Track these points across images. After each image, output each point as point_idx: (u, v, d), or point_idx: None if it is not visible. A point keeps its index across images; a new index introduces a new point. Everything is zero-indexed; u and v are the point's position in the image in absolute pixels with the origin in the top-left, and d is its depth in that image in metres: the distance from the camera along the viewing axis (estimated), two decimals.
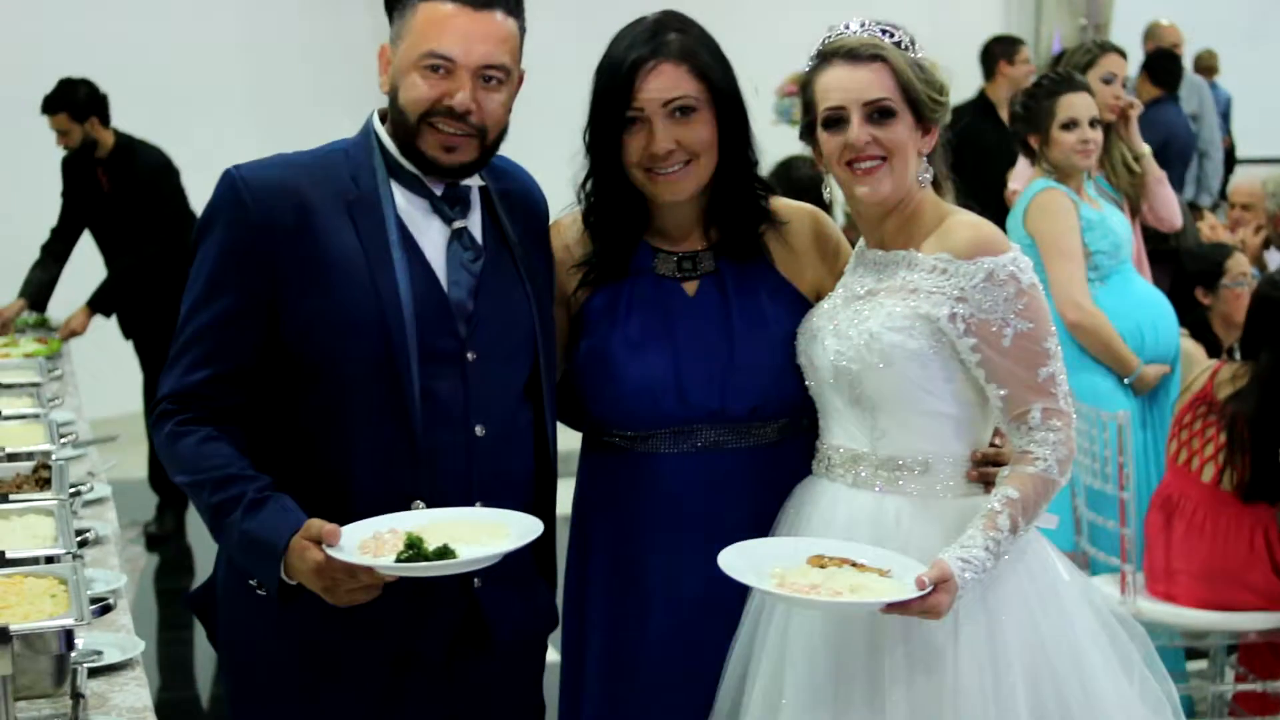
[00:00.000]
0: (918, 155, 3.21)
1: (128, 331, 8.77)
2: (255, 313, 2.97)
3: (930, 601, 2.89)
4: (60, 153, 8.65)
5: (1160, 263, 6.65)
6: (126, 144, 8.53)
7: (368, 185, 3.04)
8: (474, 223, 3.13)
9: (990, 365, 3.08)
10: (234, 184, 2.99)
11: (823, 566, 2.97)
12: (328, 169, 3.05)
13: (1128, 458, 5.28)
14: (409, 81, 3.01)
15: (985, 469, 3.17)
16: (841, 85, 3.16)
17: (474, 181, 3.14)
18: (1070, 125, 5.80)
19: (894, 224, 3.24)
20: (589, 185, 3.37)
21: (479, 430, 3.07)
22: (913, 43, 3.21)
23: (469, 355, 3.06)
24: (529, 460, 3.21)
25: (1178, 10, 11.59)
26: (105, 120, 8.47)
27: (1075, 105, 5.82)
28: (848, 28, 3.21)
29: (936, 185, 3.27)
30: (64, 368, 7.08)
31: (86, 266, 8.69)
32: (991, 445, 3.22)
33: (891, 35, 3.19)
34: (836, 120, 3.17)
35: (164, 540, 8.71)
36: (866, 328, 3.13)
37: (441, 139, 3.00)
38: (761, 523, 3.28)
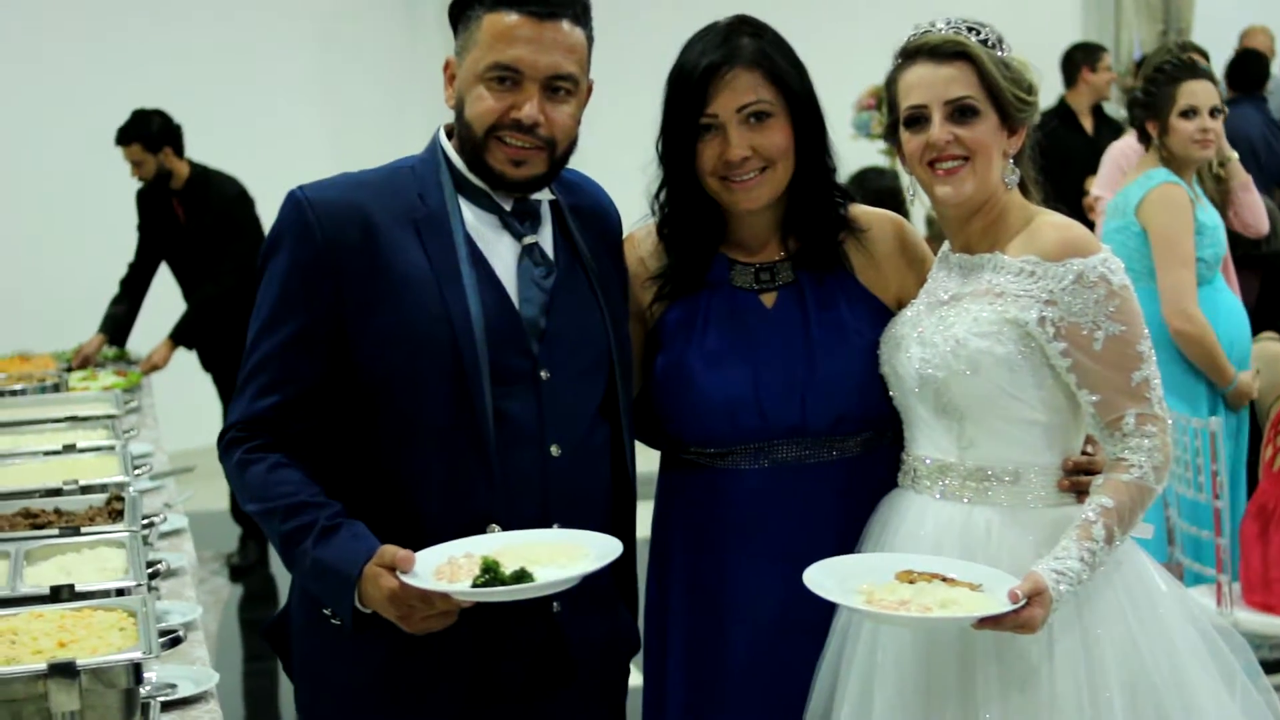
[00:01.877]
0: (1003, 156, 3.13)
1: (207, 364, 8.77)
2: (323, 335, 2.91)
3: (1024, 615, 2.80)
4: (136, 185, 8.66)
5: (1248, 268, 6.51)
6: (201, 174, 8.52)
7: (435, 202, 2.99)
8: (545, 238, 3.07)
9: (1081, 370, 2.99)
10: (299, 204, 2.94)
11: (911, 582, 2.89)
12: (394, 187, 3.00)
13: (1221, 465, 5.15)
14: (475, 94, 2.96)
15: (1078, 478, 3.08)
16: (924, 83, 3.09)
17: (544, 195, 3.08)
18: (1190, 113, 5.68)
19: (979, 226, 3.15)
20: (663, 196, 3.31)
21: (554, 450, 3.00)
22: (1000, 41, 3.13)
23: (542, 374, 3.00)
24: (606, 480, 3.13)
25: (1262, 13, 11.47)
26: (179, 151, 8.47)
27: (1197, 93, 5.69)
28: (933, 25, 3.14)
29: (1024, 188, 3.19)
30: (143, 400, 7.07)
31: (164, 300, 8.71)
32: (1084, 454, 3.12)
33: (977, 33, 3.11)
34: (918, 119, 3.11)
35: (247, 571, 8.69)
36: (952, 334, 3.05)
37: (509, 152, 2.95)
38: (846, 539, 3.20)
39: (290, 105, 11.70)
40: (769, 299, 3.29)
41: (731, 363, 3.23)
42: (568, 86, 2.97)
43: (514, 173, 2.97)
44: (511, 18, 2.92)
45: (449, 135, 3.07)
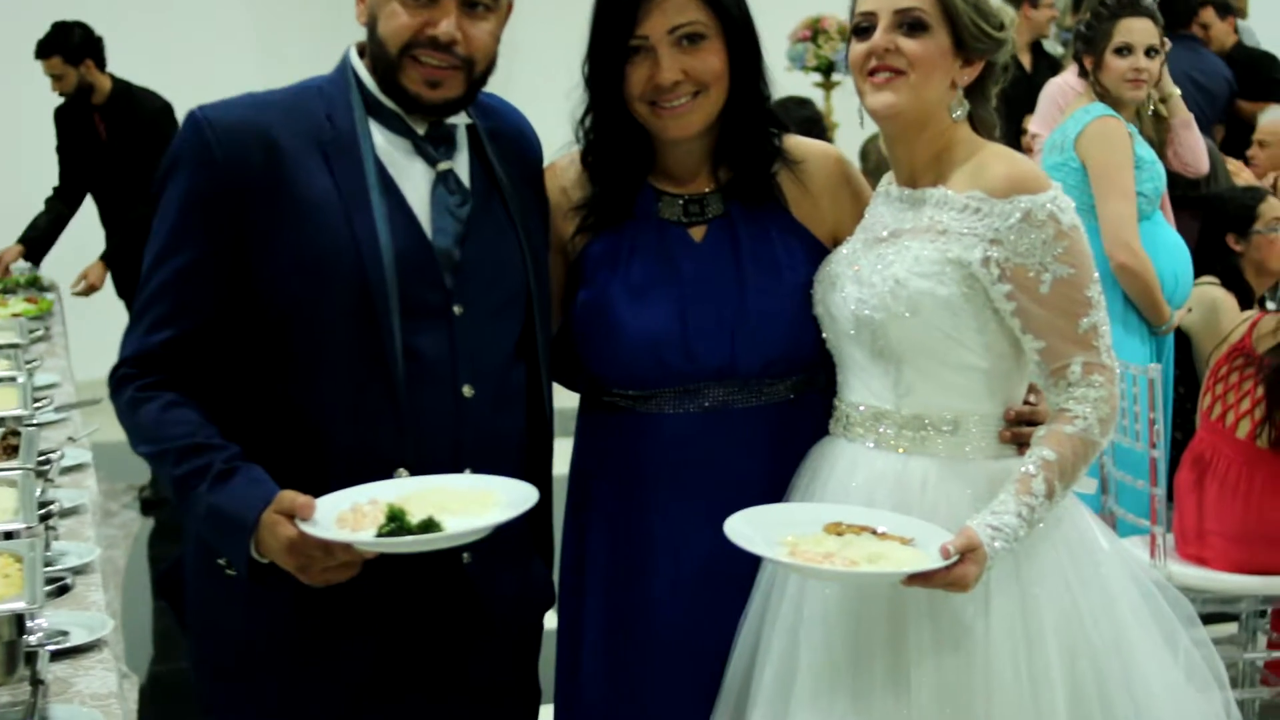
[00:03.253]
0: (951, 85, 2.99)
1: (122, 290, 8.54)
2: (222, 263, 2.76)
3: (956, 572, 2.68)
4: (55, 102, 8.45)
5: (1186, 209, 6.39)
6: (124, 89, 8.31)
7: (344, 124, 2.84)
8: (461, 165, 2.93)
9: (1026, 315, 2.86)
10: (197, 125, 2.78)
11: (840, 534, 2.76)
12: (300, 107, 2.85)
13: (1159, 414, 5.03)
14: (388, 10, 2.80)
15: (1020, 429, 2.95)
16: None
17: (460, 119, 2.94)
18: (1124, 50, 5.57)
19: (923, 156, 3.02)
20: (588, 122, 3.17)
21: (467, 391, 2.86)
22: None
23: (456, 309, 2.86)
24: (522, 422, 3.00)
25: None
26: (101, 64, 8.26)
27: (1133, 30, 5.58)
28: None
29: (976, 126, 3.05)
30: (54, 329, 6.85)
31: (83, 225, 8.47)
32: (1026, 403, 2.99)
33: None
34: (867, 29, 2.98)
35: (159, 504, 8.44)
36: (891, 273, 2.91)
37: (425, 72, 2.80)
38: (774, 487, 3.06)
39: (214, 18, 11.40)
40: (698, 233, 3.15)
41: (657, 299, 3.09)
42: (486, 2, 2.84)
43: (429, 94, 2.82)
44: None
45: (361, 54, 2.92)
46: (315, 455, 2.79)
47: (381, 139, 2.85)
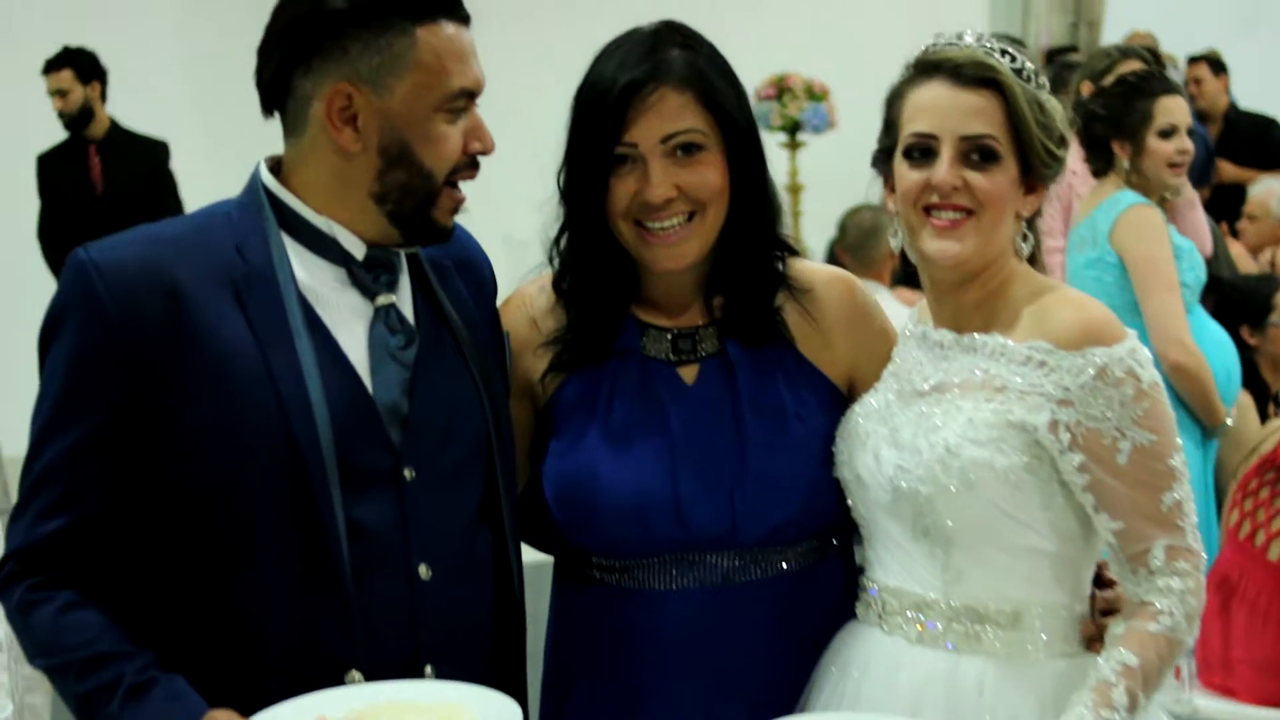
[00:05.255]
0: (1016, 218, 2.57)
1: None
2: (121, 436, 2.32)
3: None
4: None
5: None
6: (121, 130, 8.12)
7: (258, 256, 2.39)
8: (403, 298, 2.51)
9: (1102, 490, 2.44)
10: (84, 271, 2.34)
11: None
12: (205, 240, 2.40)
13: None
14: (435, 132, 2.39)
15: (1105, 620, 2.54)
16: (939, 107, 2.53)
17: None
18: (1169, 133, 5.11)
19: (973, 298, 2.59)
20: (563, 242, 2.73)
21: (424, 571, 2.43)
22: (1035, 74, 2.56)
23: (406, 472, 2.43)
24: (489, 601, 2.57)
25: (1170, 7, 11.18)
26: (104, 95, 8.06)
27: (1175, 110, 5.12)
28: (959, 38, 2.57)
29: (1033, 260, 2.63)
30: None
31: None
32: (1104, 582, 2.58)
33: (1012, 59, 2.54)
34: (924, 150, 2.54)
35: None
36: (940, 439, 2.48)
37: (458, 197, 2.46)
38: (786, 674, 2.65)
39: (152, 67, 10.96)
40: (689, 373, 2.72)
41: (642, 454, 2.65)
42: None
43: (450, 222, 2.47)
44: (451, 29, 2.40)
45: (274, 170, 2.47)
46: (249, 658, 2.37)
47: (305, 271, 2.42)
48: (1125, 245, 5.03)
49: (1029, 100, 2.51)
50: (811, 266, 2.80)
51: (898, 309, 6.50)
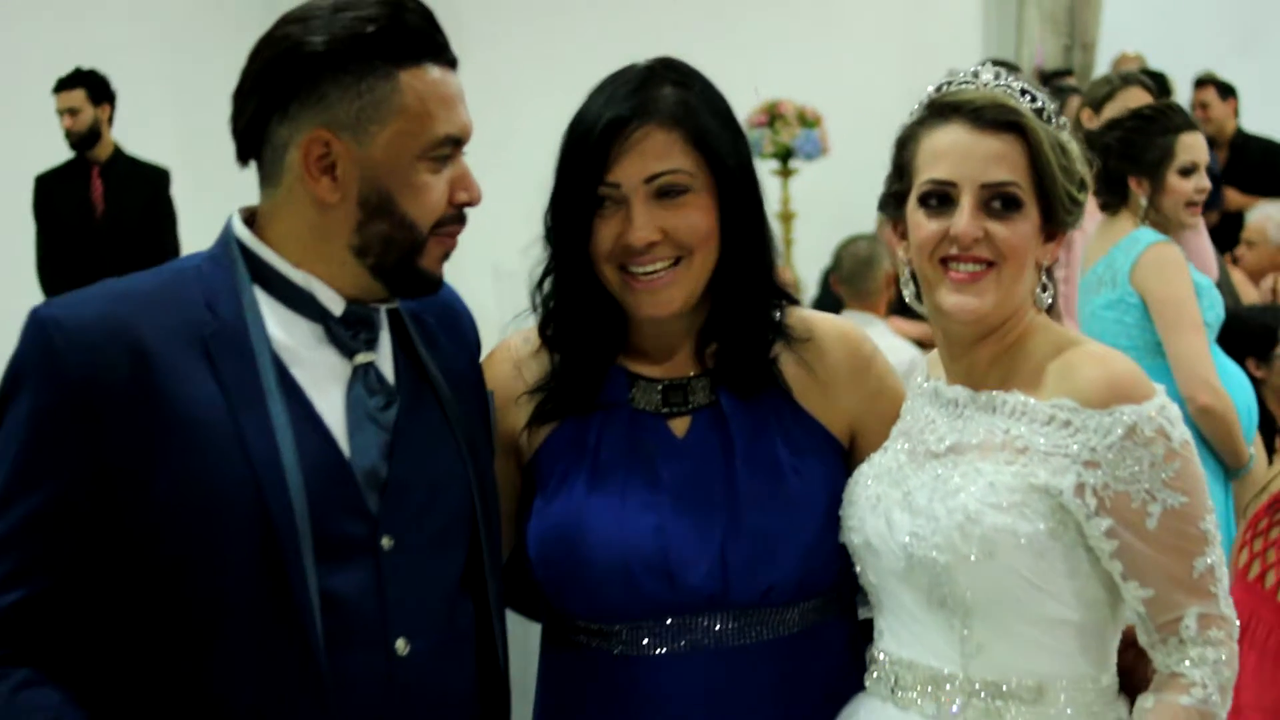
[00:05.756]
0: (1036, 268, 2.42)
1: None
2: (83, 504, 2.17)
3: None
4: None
5: None
6: (124, 155, 8.09)
7: (229, 312, 2.25)
8: (383, 356, 2.37)
9: (1131, 556, 2.28)
10: (44, 330, 2.19)
11: None
12: (173, 296, 2.25)
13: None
14: (419, 181, 2.27)
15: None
16: (958, 153, 2.38)
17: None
18: (1189, 170, 4.93)
19: (989, 353, 2.44)
20: (546, 286, 2.60)
21: (401, 646, 2.29)
22: (1056, 114, 2.41)
23: (384, 541, 2.29)
24: (471, 677, 2.42)
25: (1165, 29, 11.12)
26: (112, 120, 8.07)
27: (1196, 148, 4.94)
28: (976, 77, 2.43)
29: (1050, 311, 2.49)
30: None
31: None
32: (1134, 646, 2.42)
33: (1033, 99, 2.40)
34: (942, 198, 2.39)
35: None
36: (958, 504, 2.32)
37: (448, 246, 2.33)
38: None
39: (139, 112, 10.85)
40: (680, 426, 2.58)
41: (631, 510, 2.51)
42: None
43: (439, 271, 2.34)
44: (436, 73, 2.28)
45: (248, 222, 2.33)
46: None
47: (280, 329, 2.28)
48: (1148, 285, 4.86)
49: (1052, 144, 2.36)
50: (813, 315, 2.67)
51: (893, 340, 6.38)
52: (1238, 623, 2.35)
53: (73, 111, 7.98)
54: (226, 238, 2.31)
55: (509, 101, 8.27)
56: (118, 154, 8.10)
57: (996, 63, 2.54)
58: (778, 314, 2.61)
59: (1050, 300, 2.43)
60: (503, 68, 8.69)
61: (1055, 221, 2.39)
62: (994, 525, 2.28)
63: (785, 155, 9.48)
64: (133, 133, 8.92)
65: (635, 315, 2.53)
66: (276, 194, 2.27)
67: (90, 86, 7.97)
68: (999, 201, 2.35)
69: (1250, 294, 6.98)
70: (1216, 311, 4.92)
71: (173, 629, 2.22)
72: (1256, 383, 5.38)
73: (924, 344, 6.85)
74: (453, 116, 2.27)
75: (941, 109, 2.40)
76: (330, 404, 2.29)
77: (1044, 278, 2.43)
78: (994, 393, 2.39)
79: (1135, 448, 2.26)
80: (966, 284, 2.37)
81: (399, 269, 2.29)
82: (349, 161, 2.23)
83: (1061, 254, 5.62)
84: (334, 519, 2.24)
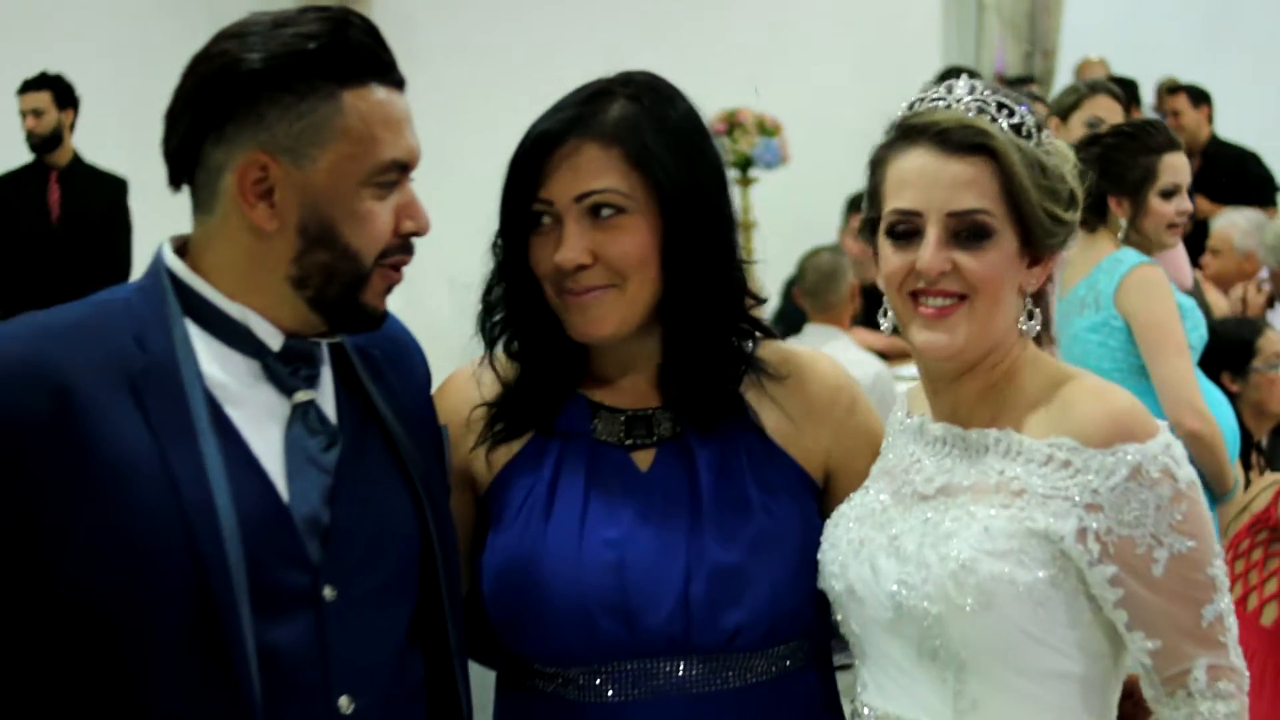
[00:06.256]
0: (1019, 294, 2.26)
1: None
2: (1, 555, 2.04)
3: None
4: None
5: None
6: (82, 163, 8.06)
7: (159, 347, 2.11)
8: (325, 393, 2.23)
9: (1137, 605, 2.13)
10: None
11: None
12: (99, 331, 2.10)
13: None
14: (362, 210, 2.12)
15: None
16: (923, 179, 2.22)
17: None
18: (1171, 192, 4.80)
19: (975, 388, 2.29)
20: (495, 297, 2.47)
21: (344, 703, 2.14)
22: (1038, 128, 2.24)
23: (326, 592, 2.15)
24: None
25: (1126, 34, 11.11)
26: (73, 127, 8.06)
27: (1179, 168, 4.81)
28: (949, 93, 2.26)
29: (1037, 339, 2.33)
30: None
31: None
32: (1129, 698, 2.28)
33: (1010, 113, 2.22)
34: (907, 230, 2.23)
35: None
36: (951, 551, 2.16)
37: (391, 279, 2.19)
38: None
39: (93, 122, 10.73)
40: (644, 459, 2.43)
41: (590, 547, 2.37)
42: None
43: (382, 305, 2.20)
44: (382, 94, 2.14)
45: (180, 252, 2.18)
46: None
47: (213, 365, 2.13)
48: (1133, 308, 4.73)
49: (1028, 163, 2.19)
50: (792, 350, 2.52)
51: (857, 354, 6.27)
52: (1247, 674, 2.21)
53: (37, 113, 7.97)
54: (157, 268, 2.16)
55: (463, 109, 8.14)
56: (77, 161, 8.08)
57: (970, 74, 2.37)
58: (749, 344, 2.46)
59: (1037, 328, 2.27)
60: (456, 74, 8.57)
61: (1036, 244, 2.23)
62: (990, 573, 2.12)
63: (745, 164, 9.35)
64: (87, 142, 8.83)
65: (572, 336, 2.39)
66: (211, 221, 2.12)
67: (56, 90, 7.99)
68: (967, 231, 2.20)
69: (1218, 302, 6.89)
70: (1200, 333, 4.82)
71: (100, 686, 2.07)
72: (1231, 397, 5.28)
73: (888, 356, 6.74)
74: (399, 140, 2.14)
75: (909, 131, 2.24)
76: (268, 446, 2.14)
77: (1029, 304, 2.26)
78: (986, 430, 2.23)
79: (1140, 489, 2.11)
80: (936, 320, 2.22)
81: (340, 303, 2.15)
82: (288, 187, 2.08)
83: None
84: (272, 568, 2.10)
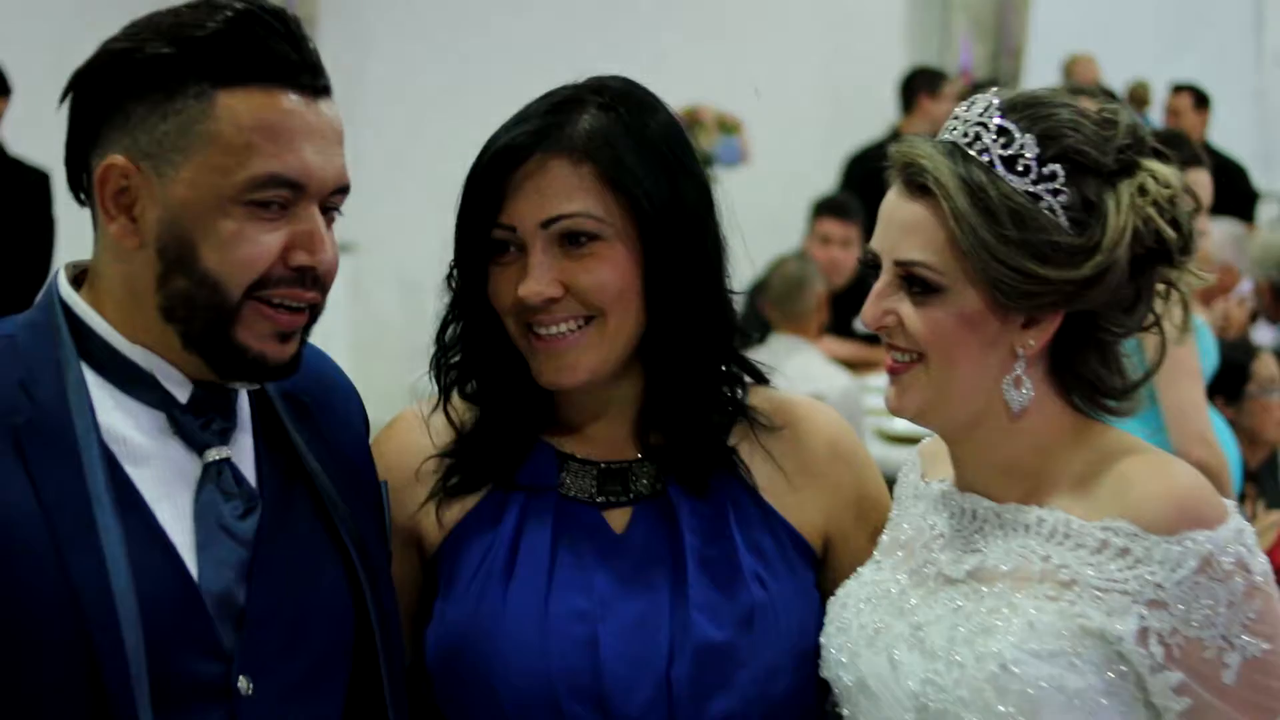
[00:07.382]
0: (1009, 355, 1.96)
1: None
2: None
3: None
4: None
5: None
6: (7, 156, 7.75)
7: (48, 395, 1.87)
8: (243, 449, 1.99)
9: (1203, 716, 1.86)
10: None
11: None
12: None
13: None
14: (226, 231, 1.86)
15: None
16: (882, 219, 2.02)
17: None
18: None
19: (998, 455, 2.03)
20: (451, 335, 2.24)
21: None
22: (1039, 161, 1.92)
23: (241, 684, 1.91)
24: None
25: (1094, 34, 11.03)
26: (2, 115, 7.76)
27: (1201, 187, 4.56)
28: (967, 110, 1.98)
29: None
30: None
31: None
32: None
33: (1007, 143, 1.93)
34: (876, 271, 2.01)
35: None
36: (990, 649, 1.88)
37: (281, 321, 1.91)
38: None
39: (26, 113, 10.64)
40: (619, 519, 2.21)
41: (557, 621, 2.14)
42: (340, 201, 1.94)
43: (278, 353, 1.92)
44: (274, 99, 1.88)
45: (76, 284, 1.93)
46: None
47: (112, 416, 1.88)
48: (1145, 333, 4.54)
49: (986, 209, 1.90)
50: (781, 395, 2.29)
51: (824, 367, 6.06)
52: None
53: None
54: (49, 299, 1.90)
55: (416, 104, 8.01)
56: (0, 152, 7.84)
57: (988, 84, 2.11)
58: (738, 391, 2.21)
59: (1025, 401, 1.96)
60: (410, 68, 8.45)
61: (1006, 304, 1.93)
62: (1037, 677, 1.84)
63: (704, 163, 9.18)
64: (26, 135, 8.64)
65: (540, 384, 2.14)
66: (99, 241, 1.87)
67: None
68: (913, 283, 1.95)
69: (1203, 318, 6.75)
70: (1210, 359, 4.66)
71: None
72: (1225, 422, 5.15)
73: (856, 366, 6.53)
74: (286, 154, 1.86)
75: (894, 158, 2.01)
76: (175, 513, 1.91)
77: (1020, 369, 1.96)
78: (1026, 507, 1.95)
79: (1210, 584, 1.83)
80: (893, 375, 2.01)
81: (209, 340, 1.88)
82: (148, 198, 1.84)
83: None
84: (178, 657, 1.86)
